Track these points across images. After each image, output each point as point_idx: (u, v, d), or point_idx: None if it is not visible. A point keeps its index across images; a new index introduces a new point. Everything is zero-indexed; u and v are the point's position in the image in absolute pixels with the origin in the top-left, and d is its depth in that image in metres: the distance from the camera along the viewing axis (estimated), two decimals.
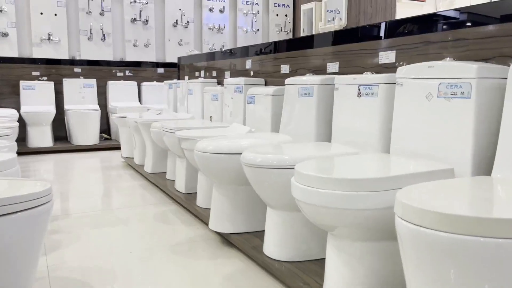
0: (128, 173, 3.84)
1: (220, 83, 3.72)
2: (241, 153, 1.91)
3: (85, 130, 4.99)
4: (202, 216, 2.42)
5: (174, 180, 3.22)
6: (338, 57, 2.26)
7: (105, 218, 2.52)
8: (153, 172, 3.53)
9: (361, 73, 2.01)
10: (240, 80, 2.97)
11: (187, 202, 2.66)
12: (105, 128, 5.62)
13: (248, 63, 3.21)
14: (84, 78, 5.42)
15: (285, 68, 2.72)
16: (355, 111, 1.90)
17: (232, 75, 3.51)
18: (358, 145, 1.89)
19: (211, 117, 3.48)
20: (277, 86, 2.62)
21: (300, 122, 2.23)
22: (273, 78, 2.89)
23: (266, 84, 2.98)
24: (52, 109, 4.80)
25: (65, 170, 3.95)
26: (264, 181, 1.71)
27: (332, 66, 2.29)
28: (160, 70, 5.91)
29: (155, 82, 5.77)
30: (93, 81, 5.38)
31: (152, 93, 5.72)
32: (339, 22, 5.48)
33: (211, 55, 3.95)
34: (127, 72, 5.70)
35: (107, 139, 5.51)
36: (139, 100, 5.74)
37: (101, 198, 2.98)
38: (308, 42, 2.50)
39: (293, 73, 2.66)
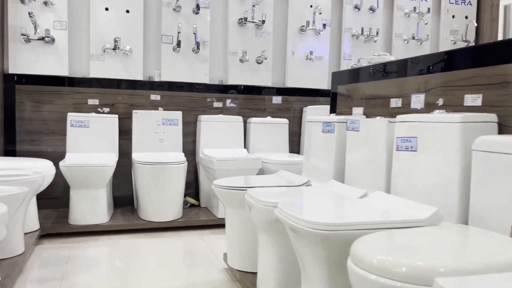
0: None
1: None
2: None
3: (160, 196, 2.96)
4: None
5: None
6: None
7: None
8: None
9: None
10: None
11: None
12: (192, 186, 3.59)
13: None
14: (164, 110, 3.48)
15: None
16: None
17: None
18: None
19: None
20: None
21: None
22: None
23: None
24: (109, 161, 2.84)
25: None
26: None
27: None
28: (277, 100, 3.82)
29: (269, 118, 3.68)
30: (178, 115, 3.41)
31: (264, 134, 3.61)
32: None
33: (435, 59, 1.72)
34: (228, 102, 3.68)
35: (194, 206, 3.46)
36: (245, 145, 3.66)
37: None
38: None
39: None
